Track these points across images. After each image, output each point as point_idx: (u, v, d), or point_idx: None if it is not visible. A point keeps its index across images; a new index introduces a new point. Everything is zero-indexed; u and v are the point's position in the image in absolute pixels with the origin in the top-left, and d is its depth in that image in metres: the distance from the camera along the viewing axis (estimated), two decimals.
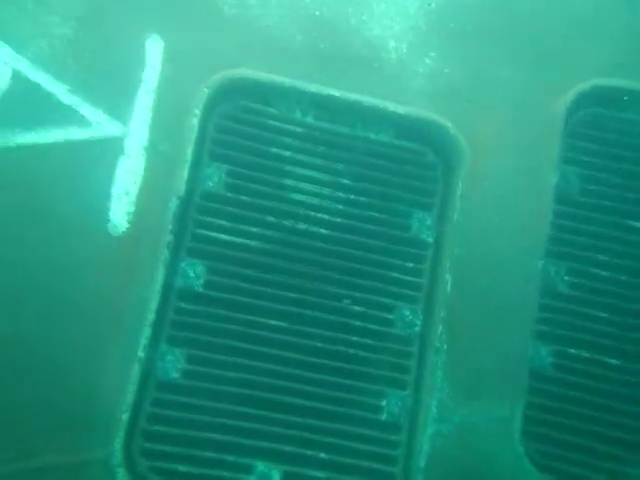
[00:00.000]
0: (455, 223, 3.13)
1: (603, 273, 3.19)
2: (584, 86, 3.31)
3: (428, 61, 3.40)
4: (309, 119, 3.28)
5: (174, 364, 2.80)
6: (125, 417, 2.58)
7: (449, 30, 3.35)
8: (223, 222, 3.03)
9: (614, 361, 3.08)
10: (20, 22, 3.01)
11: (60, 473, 2.51)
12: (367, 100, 3.22)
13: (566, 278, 3.20)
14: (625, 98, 3.35)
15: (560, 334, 3.12)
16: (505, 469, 2.85)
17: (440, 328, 2.98)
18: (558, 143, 3.24)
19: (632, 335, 3.15)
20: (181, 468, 2.70)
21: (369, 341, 3.02)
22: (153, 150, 2.99)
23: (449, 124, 3.23)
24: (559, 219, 3.23)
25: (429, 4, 3.38)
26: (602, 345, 3.10)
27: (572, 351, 3.11)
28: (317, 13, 3.28)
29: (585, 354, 3.08)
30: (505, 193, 3.21)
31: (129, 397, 2.62)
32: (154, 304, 2.75)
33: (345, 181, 3.22)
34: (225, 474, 2.74)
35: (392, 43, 3.33)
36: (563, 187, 3.29)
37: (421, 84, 3.33)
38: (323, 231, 3.13)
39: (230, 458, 2.75)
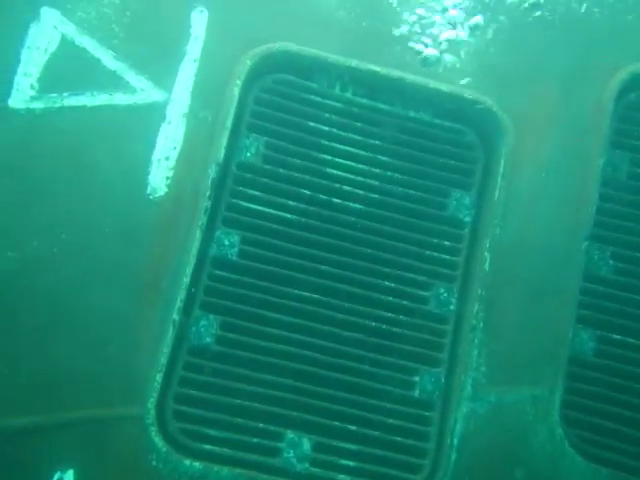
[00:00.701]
0: (496, 202, 3.06)
1: None
2: (635, 68, 3.21)
3: (473, 40, 3.34)
4: (348, 94, 3.25)
5: (208, 329, 2.80)
6: (159, 378, 2.60)
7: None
8: (259, 193, 3.03)
9: None
10: None
11: (96, 425, 2.54)
12: (408, 77, 3.18)
13: (611, 262, 3.10)
14: None
15: (603, 319, 3.02)
16: (541, 451, 2.76)
17: (477, 306, 2.92)
18: (607, 126, 3.14)
19: None
20: (211, 432, 2.70)
21: (403, 317, 2.97)
22: (193, 117, 3.01)
23: (492, 103, 3.16)
24: (605, 202, 3.13)
25: None
26: None
27: (616, 337, 3.01)
28: None
29: (630, 340, 2.98)
30: (549, 174, 3.13)
31: (163, 359, 2.64)
32: (189, 269, 2.76)
33: (382, 158, 3.18)
34: (255, 440, 2.72)
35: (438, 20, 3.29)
36: (610, 170, 3.19)
37: (465, 62, 3.27)
38: (358, 206, 3.10)
39: (260, 425, 2.73)
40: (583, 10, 3.35)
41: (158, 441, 2.53)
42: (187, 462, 2.56)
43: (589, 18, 3.34)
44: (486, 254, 2.98)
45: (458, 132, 3.24)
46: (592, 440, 2.87)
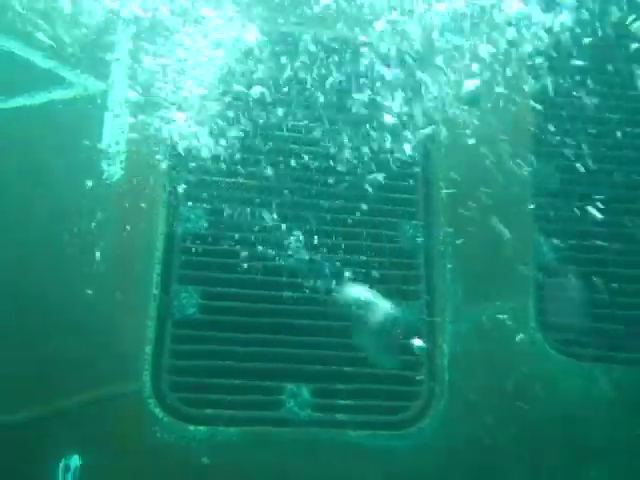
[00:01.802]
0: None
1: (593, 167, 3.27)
2: None
3: None
4: None
5: (190, 301, 2.81)
6: (149, 352, 2.60)
7: None
8: (221, 167, 3.05)
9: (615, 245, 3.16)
10: None
11: (95, 408, 2.51)
12: None
13: (557, 175, 3.29)
14: None
15: (558, 229, 3.19)
16: (525, 356, 2.90)
17: (442, 233, 3.04)
18: None
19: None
20: (211, 397, 2.70)
21: (377, 257, 3.06)
22: (135, 102, 3.02)
23: None
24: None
25: None
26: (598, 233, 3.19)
27: (572, 242, 3.19)
28: None
29: (584, 242, 3.16)
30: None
31: (150, 333, 2.64)
32: (160, 244, 2.78)
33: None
34: (255, 397, 2.75)
35: None
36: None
37: None
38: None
39: (258, 383, 2.76)
40: None
41: (158, 412, 2.53)
42: (192, 427, 2.56)
43: None
44: (441, 184, 3.11)
45: None
46: (569, 340, 3.02)
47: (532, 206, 3.18)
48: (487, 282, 3.02)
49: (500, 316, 2.98)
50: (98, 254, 2.72)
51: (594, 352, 3.04)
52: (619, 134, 3.35)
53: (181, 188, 2.98)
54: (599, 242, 3.18)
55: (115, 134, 2.95)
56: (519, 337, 2.95)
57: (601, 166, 3.31)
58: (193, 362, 2.74)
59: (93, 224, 2.75)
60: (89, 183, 2.82)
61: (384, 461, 2.68)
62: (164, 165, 2.92)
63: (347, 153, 3.17)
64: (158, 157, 2.93)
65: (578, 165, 3.33)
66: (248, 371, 2.78)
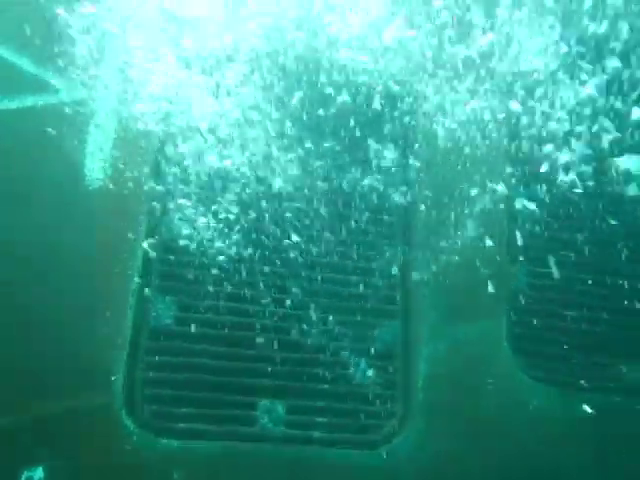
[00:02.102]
0: None
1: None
2: None
3: None
4: None
5: (166, 312, 2.78)
6: (123, 363, 2.53)
7: None
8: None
9: (588, 277, 3.28)
10: None
11: (64, 419, 2.43)
12: None
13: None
14: None
15: (534, 255, 3.29)
16: (497, 376, 2.95)
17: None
18: None
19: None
20: (184, 410, 2.65)
21: (354, 278, 3.10)
22: (122, 111, 3.03)
23: None
24: None
25: None
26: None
27: (543, 270, 3.29)
28: None
29: (565, 273, 3.26)
30: None
31: (125, 344, 2.58)
32: (140, 252, 2.75)
33: None
34: (229, 412, 2.71)
35: None
36: None
37: None
38: None
39: (232, 397, 2.73)
40: None
41: (130, 425, 2.46)
42: (163, 441, 2.50)
43: None
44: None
45: None
46: (538, 363, 3.10)
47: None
48: (462, 304, 3.08)
49: (473, 337, 3.04)
50: (76, 260, 2.67)
51: (562, 377, 3.12)
52: None
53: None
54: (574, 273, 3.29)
55: (99, 142, 2.94)
56: (490, 358, 3.01)
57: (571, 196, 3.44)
58: (168, 374, 2.69)
59: (72, 229, 2.71)
60: (70, 189, 2.79)
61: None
62: (147, 172, 2.90)
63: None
64: (141, 164, 2.92)
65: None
66: (223, 385, 2.74)
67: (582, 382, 3.13)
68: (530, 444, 2.89)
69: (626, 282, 3.25)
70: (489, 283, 3.10)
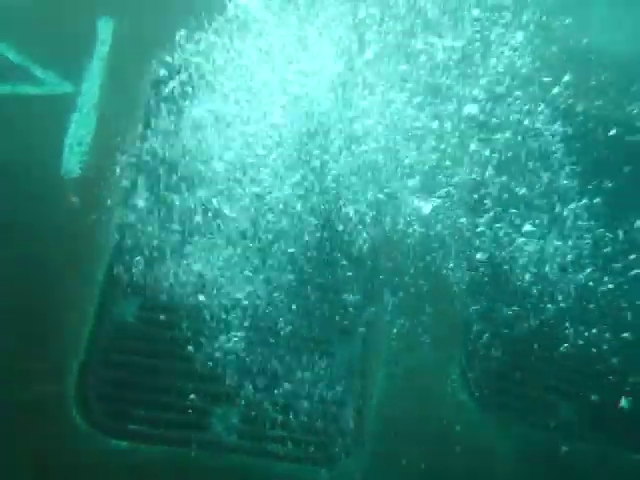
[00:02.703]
0: None
1: None
2: None
3: None
4: None
5: (130, 309, 2.74)
6: (79, 359, 2.47)
7: None
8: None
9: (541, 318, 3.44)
10: None
11: (17, 406, 2.31)
12: None
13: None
14: None
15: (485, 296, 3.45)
16: (447, 403, 3.03)
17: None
18: None
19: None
20: (138, 412, 2.59)
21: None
22: (105, 108, 3.06)
23: None
24: None
25: None
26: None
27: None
28: None
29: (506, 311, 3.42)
30: None
31: (84, 336, 2.52)
32: (108, 250, 2.73)
33: None
34: (183, 417, 2.65)
35: None
36: None
37: None
38: None
39: (188, 402, 2.68)
40: None
41: (80, 423, 2.37)
42: (113, 442, 2.42)
43: None
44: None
45: None
46: (491, 396, 3.20)
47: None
48: (419, 330, 3.17)
49: (429, 364, 3.12)
50: (43, 250, 2.62)
51: (509, 411, 3.23)
52: None
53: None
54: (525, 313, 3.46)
55: (80, 135, 2.95)
56: (442, 385, 3.09)
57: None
58: (124, 374, 2.63)
59: (42, 217, 2.67)
60: (46, 178, 2.76)
61: None
62: (125, 167, 2.91)
63: None
64: (120, 158, 2.93)
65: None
66: (180, 389, 2.70)
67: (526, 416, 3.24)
68: (476, 470, 2.95)
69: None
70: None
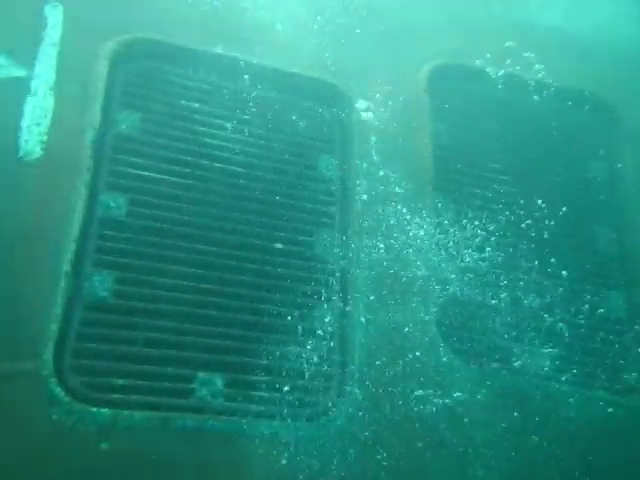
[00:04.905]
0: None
1: None
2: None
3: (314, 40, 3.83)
4: (213, 78, 3.51)
5: (103, 284, 2.72)
6: (54, 329, 2.44)
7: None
8: (140, 160, 3.09)
9: None
10: None
11: None
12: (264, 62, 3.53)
13: None
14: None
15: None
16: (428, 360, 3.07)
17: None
18: None
19: None
20: (118, 381, 2.56)
21: (294, 261, 3.17)
22: (61, 91, 3.04)
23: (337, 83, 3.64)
24: None
25: None
26: None
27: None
28: None
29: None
30: None
31: (57, 311, 2.49)
32: (77, 224, 2.70)
33: (254, 129, 3.44)
34: (165, 384, 2.64)
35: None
36: None
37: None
38: (239, 169, 3.30)
39: (168, 370, 2.67)
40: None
41: (58, 393, 2.34)
42: (93, 410, 2.39)
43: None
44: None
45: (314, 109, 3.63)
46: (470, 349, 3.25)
47: None
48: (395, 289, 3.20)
49: (405, 321, 3.15)
50: (8, 227, 2.57)
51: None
52: None
53: (104, 177, 2.95)
54: None
55: (38, 116, 2.92)
56: (420, 341, 3.13)
57: None
58: (102, 346, 2.61)
59: (7, 199, 2.62)
60: (5, 161, 2.72)
61: (290, 450, 2.65)
62: (89, 148, 2.88)
63: None
64: (84, 141, 2.90)
65: None
66: (160, 357, 2.69)
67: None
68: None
69: None
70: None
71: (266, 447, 2.62)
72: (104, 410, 2.42)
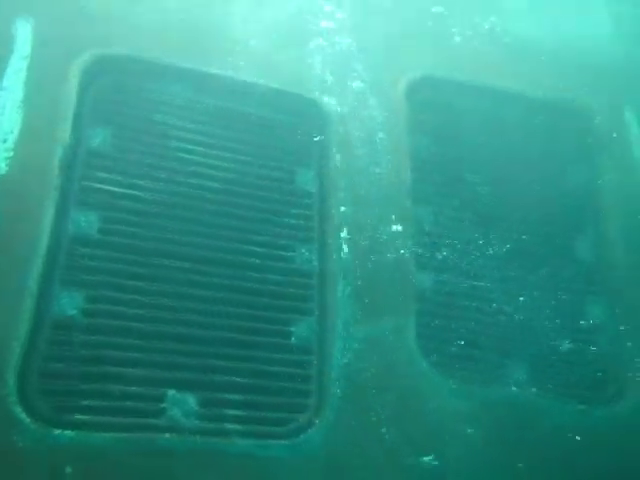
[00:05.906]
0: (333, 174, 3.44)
1: None
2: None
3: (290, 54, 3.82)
4: (188, 92, 3.48)
5: (71, 303, 2.65)
6: (18, 351, 2.35)
7: None
8: (112, 176, 3.04)
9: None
10: None
11: None
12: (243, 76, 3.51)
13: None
14: None
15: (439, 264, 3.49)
16: (401, 373, 3.01)
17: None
18: None
19: None
20: (84, 402, 2.48)
21: (272, 276, 3.12)
22: (30, 106, 2.98)
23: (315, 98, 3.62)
24: None
25: None
26: None
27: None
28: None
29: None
30: None
31: (22, 332, 2.40)
32: (45, 241, 2.63)
33: (231, 144, 3.41)
34: (134, 404, 2.56)
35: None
36: None
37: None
38: (215, 185, 3.26)
39: (137, 389, 2.59)
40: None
41: (20, 413, 2.25)
42: (57, 432, 2.30)
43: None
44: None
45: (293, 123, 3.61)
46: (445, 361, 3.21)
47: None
48: (375, 302, 3.17)
49: (385, 334, 3.11)
50: None
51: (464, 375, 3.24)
52: None
53: (74, 193, 2.89)
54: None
55: (4, 132, 2.86)
56: (399, 352, 3.08)
57: None
58: (69, 366, 2.53)
59: None
60: None
61: (268, 471, 2.58)
62: (58, 166, 2.83)
63: None
64: (52, 158, 2.85)
65: None
66: (129, 377, 2.61)
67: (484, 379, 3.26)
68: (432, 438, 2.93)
69: None
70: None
71: (241, 467, 2.54)
72: (68, 432, 2.33)
